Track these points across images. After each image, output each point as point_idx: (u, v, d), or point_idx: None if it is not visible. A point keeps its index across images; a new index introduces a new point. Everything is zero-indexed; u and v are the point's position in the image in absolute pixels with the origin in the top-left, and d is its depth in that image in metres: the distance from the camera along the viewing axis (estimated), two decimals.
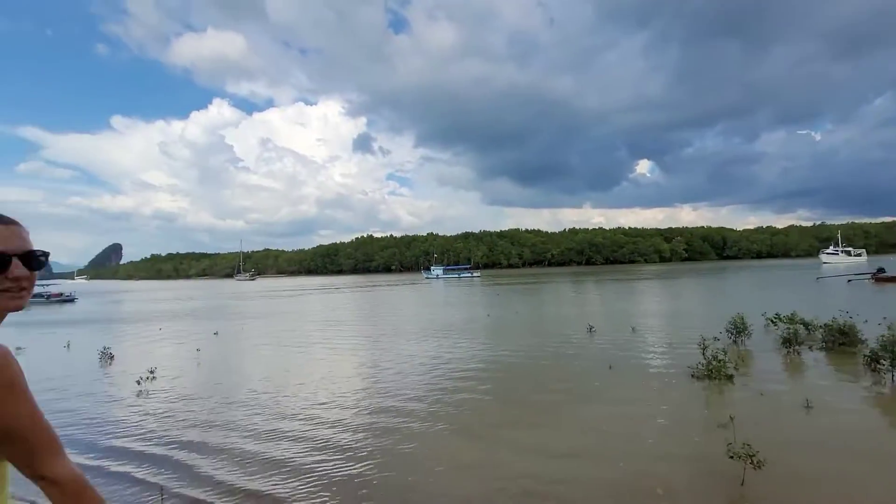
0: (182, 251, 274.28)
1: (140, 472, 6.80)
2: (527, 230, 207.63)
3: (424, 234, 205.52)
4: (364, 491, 6.01)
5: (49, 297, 55.35)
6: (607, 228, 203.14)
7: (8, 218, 0.99)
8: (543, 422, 8.14)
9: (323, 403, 9.86)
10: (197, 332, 23.22)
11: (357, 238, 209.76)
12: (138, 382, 11.95)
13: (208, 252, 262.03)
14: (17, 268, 0.97)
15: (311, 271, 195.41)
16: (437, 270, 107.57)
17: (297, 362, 14.38)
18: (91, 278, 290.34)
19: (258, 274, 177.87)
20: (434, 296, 46.05)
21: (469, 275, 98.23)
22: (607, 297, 34.72)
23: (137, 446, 7.77)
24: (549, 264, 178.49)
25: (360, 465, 6.77)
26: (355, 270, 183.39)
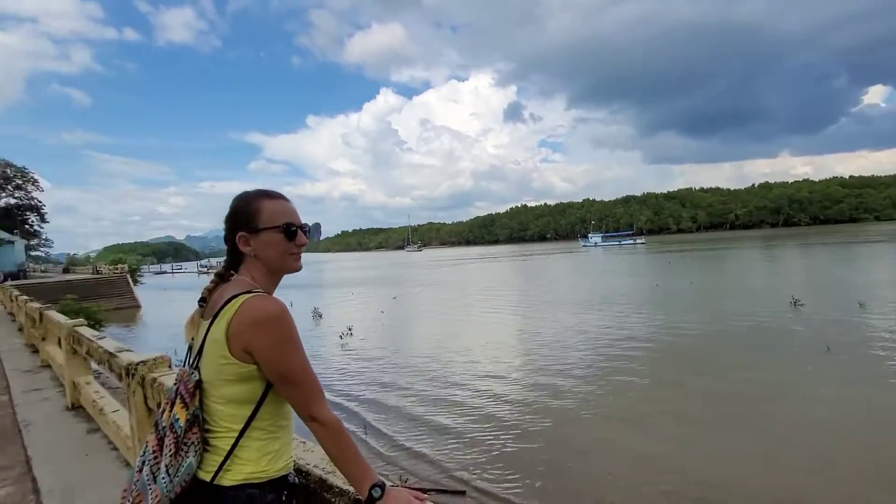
0: (363, 227, 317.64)
1: (345, 412, 8.31)
2: (701, 189, 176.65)
3: (580, 201, 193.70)
4: (523, 467, 6.20)
5: None
6: (816, 180, 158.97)
7: (282, 194, 1.15)
8: (724, 416, 6.85)
9: (488, 372, 10.29)
10: (379, 296, 26.77)
11: (511, 208, 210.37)
12: (340, 337, 14.47)
13: (383, 227, 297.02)
14: (303, 237, 1.14)
15: (469, 242, 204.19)
16: (594, 238, 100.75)
17: (463, 327, 15.40)
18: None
19: (424, 245, 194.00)
20: (593, 264, 43.62)
21: (631, 242, 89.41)
22: (818, 265, 27.67)
23: (344, 388, 9.50)
24: (732, 227, 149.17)
25: (522, 442, 6.82)
26: (510, 240, 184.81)
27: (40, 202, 50.86)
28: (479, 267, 50.79)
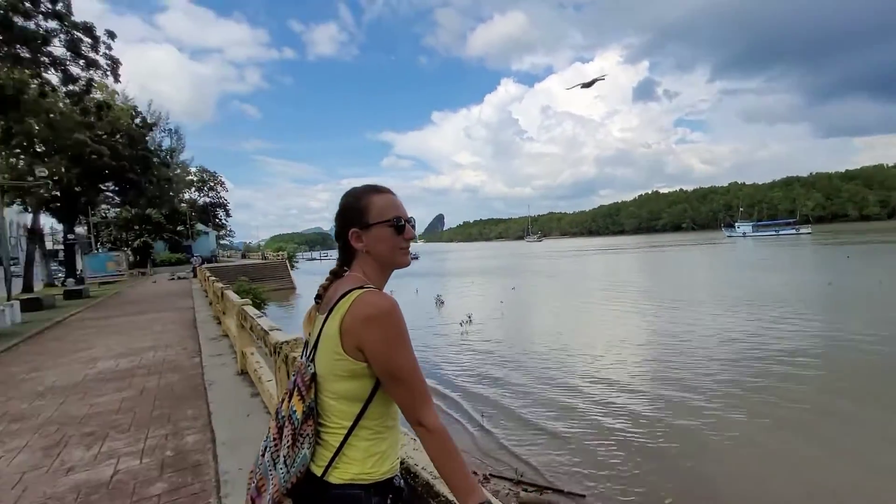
0: (483, 217, 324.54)
1: (463, 400, 8.49)
2: None
3: (724, 185, 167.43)
4: (646, 484, 5.60)
5: None
6: None
7: (389, 188, 1.16)
8: None
9: (609, 377, 9.61)
10: (499, 286, 26.86)
11: (640, 195, 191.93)
12: (461, 324, 14.89)
13: (503, 217, 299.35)
14: (411, 230, 1.13)
15: (591, 232, 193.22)
16: (743, 227, 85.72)
17: (583, 321, 14.59)
18: (426, 241, 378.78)
19: (544, 236, 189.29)
20: (740, 257, 37.50)
21: (793, 231, 74.12)
22: None
23: (460, 378, 9.73)
24: None
25: (646, 459, 6.28)
26: (638, 230, 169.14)
27: (226, 200, 63.02)
28: (602, 258, 47.70)
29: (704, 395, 7.82)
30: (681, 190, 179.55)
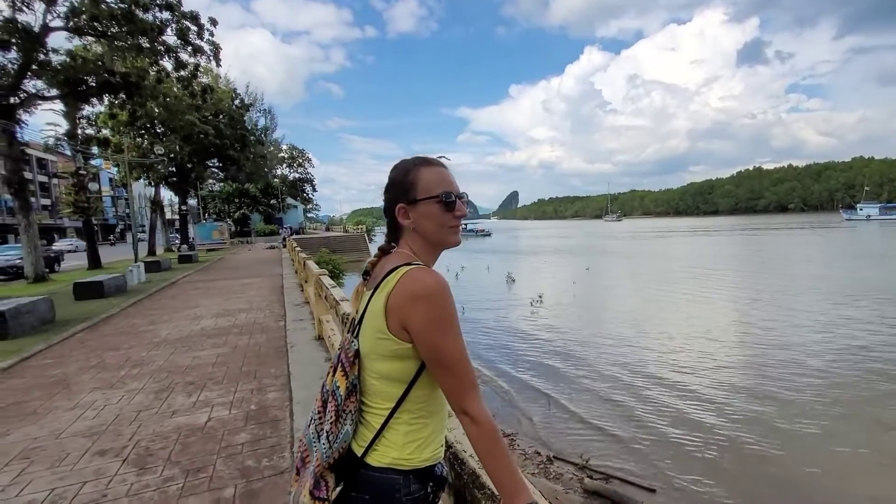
0: (559, 195, 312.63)
1: (531, 380, 8.36)
2: None
3: (846, 160, 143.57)
4: (733, 483, 5.09)
5: (476, 232, 75.70)
6: None
7: (440, 161, 1.08)
8: None
9: (693, 367, 8.90)
10: (572, 266, 25.95)
11: (738, 172, 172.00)
12: (531, 304, 14.63)
13: (579, 195, 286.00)
14: (462, 207, 1.05)
15: (679, 212, 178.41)
16: (867, 209, 72.70)
17: (664, 310, 13.58)
18: (499, 218, 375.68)
19: (624, 215, 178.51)
20: (864, 244, 32.27)
21: None
22: None
23: (529, 356, 9.59)
24: None
25: (734, 458, 5.71)
26: (734, 211, 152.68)
27: (312, 176, 67.08)
28: (689, 241, 43.82)
29: (805, 398, 6.93)
30: (789, 166, 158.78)
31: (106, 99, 16.87)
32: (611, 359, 9.16)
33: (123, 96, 16.35)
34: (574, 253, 35.50)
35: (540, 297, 15.32)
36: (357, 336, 1.05)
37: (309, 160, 65.84)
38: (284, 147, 61.06)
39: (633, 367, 8.61)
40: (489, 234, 74.58)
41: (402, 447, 0.98)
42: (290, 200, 54.99)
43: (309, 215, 70.56)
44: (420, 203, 1.03)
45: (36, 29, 12.93)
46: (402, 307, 0.93)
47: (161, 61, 16.79)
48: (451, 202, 1.03)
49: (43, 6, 13.00)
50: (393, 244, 1.11)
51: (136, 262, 16.33)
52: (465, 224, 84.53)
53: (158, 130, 26.10)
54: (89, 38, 14.63)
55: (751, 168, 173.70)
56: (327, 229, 55.36)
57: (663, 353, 9.40)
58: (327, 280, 5.19)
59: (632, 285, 18.22)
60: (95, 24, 13.70)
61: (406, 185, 1.05)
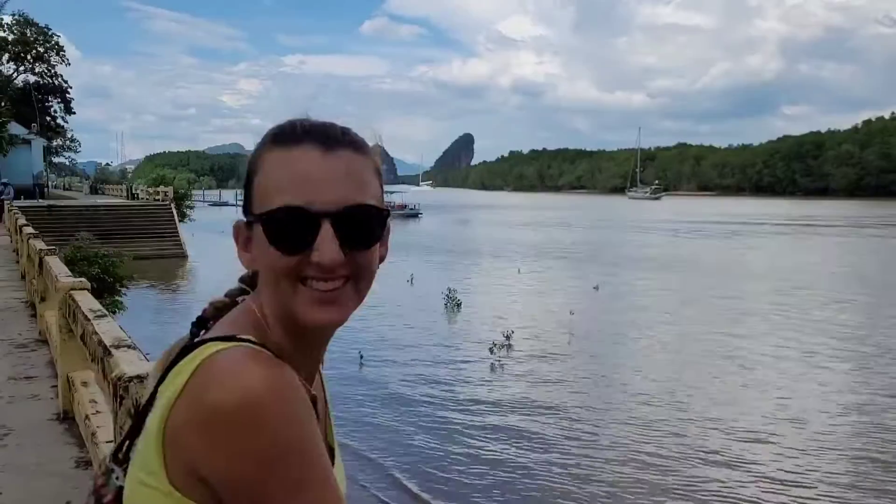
0: (549, 145, 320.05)
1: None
2: None
3: None
4: None
5: (393, 208, 76.10)
6: None
7: (336, 133, 1.01)
8: None
9: (773, 472, 9.52)
10: (569, 281, 26.92)
11: (866, 122, 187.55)
12: (491, 351, 14.94)
13: (587, 149, 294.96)
14: (326, 243, 0.95)
15: (761, 188, 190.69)
16: None
17: (720, 365, 14.47)
18: (437, 186, 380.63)
19: (664, 189, 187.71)
20: None
21: None
22: None
23: (493, 455, 9.67)
24: None
25: None
26: (857, 190, 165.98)
27: (65, 82, 63.31)
28: (786, 244, 47.26)
29: None
30: None
31: None
32: (638, 456, 9.54)
33: None
34: (573, 256, 36.88)
35: (508, 336, 15.72)
36: (126, 461, 1.00)
37: (59, 50, 62.30)
38: (5, 19, 57.19)
39: (678, 474, 9.00)
40: (417, 214, 75.44)
41: None
42: (14, 129, 51.58)
43: (57, 160, 66.91)
44: (254, 226, 1.00)
45: None
46: (189, 437, 0.88)
47: None
48: (285, 230, 0.95)
49: None
50: (246, 287, 1.11)
51: None
52: None
53: None
54: None
55: (886, 116, 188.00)
56: (94, 190, 53.24)
57: (729, 447, 9.94)
58: (88, 301, 4.87)
59: (676, 326, 19.11)
60: None
61: (247, 183, 1.03)
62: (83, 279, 5.96)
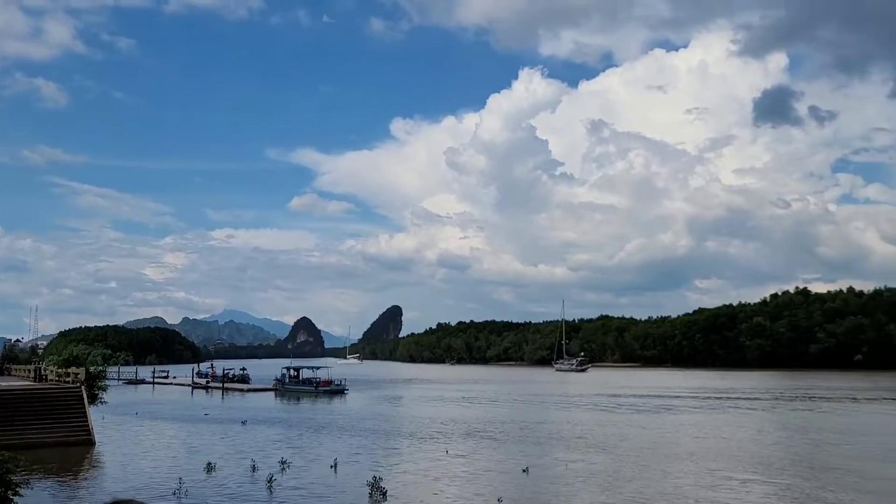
0: (477, 316, 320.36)
1: None
2: None
3: None
4: None
5: (318, 385, 74.27)
6: None
7: None
8: None
9: None
10: (498, 464, 26.28)
11: (774, 296, 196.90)
12: None
13: (513, 320, 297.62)
14: None
15: (680, 359, 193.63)
16: None
17: None
18: (364, 358, 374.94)
19: (589, 361, 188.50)
20: None
21: None
22: None
23: None
24: None
25: None
26: (769, 360, 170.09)
27: None
28: (716, 418, 47.55)
29: None
30: (850, 290, 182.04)
31: None
32: None
33: None
34: (501, 436, 36.41)
35: None
36: None
37: None
38: None
39: None
40: (343, 391, 73.73)
41: None
42: None
43: None
44: None
45: None
46: None
47: None
48: None
49: None
50: None
51: None
52: (296, 371, 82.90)
53: None
54: None
55: (791, 290, 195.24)
56: (0, 371, 50.30)
57: None
58: None
59: None
60: None
61: None
62: None
